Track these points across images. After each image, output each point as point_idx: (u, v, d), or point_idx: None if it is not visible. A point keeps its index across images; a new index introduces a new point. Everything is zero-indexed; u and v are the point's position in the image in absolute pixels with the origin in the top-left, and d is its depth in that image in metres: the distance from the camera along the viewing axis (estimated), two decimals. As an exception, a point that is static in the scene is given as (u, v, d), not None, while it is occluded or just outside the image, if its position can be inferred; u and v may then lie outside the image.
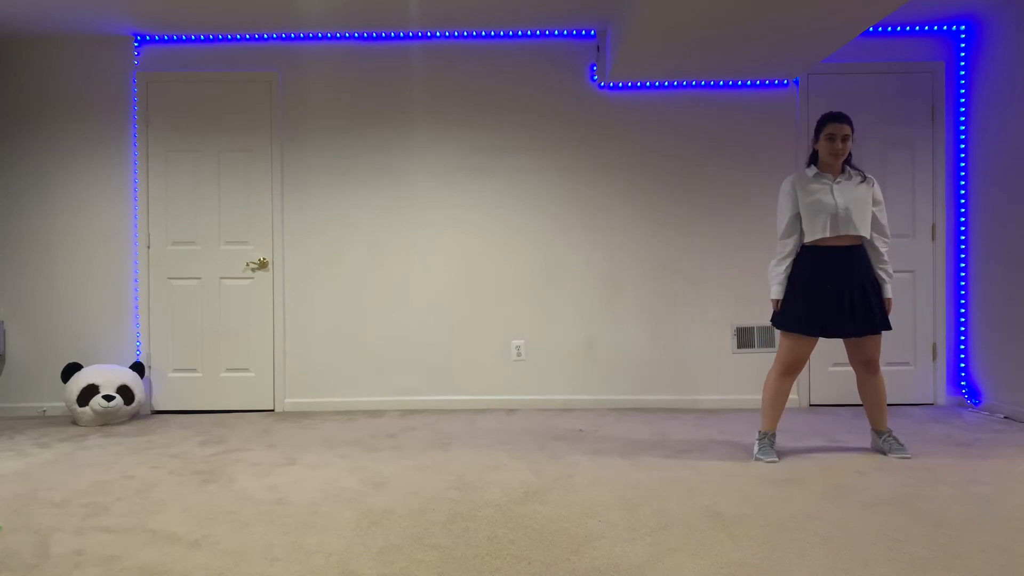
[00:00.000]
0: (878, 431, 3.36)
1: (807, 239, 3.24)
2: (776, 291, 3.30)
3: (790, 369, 3.28)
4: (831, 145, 3.21)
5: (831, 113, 3.25)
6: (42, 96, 4.69)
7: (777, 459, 3.25)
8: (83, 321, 4.69)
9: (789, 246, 3.28)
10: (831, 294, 3.18)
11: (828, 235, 3.18)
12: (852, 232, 3.17)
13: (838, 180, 3.23)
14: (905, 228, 4.66)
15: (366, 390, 4.72)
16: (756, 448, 3.32)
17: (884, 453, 3.33)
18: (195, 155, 4.70)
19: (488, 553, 2.20)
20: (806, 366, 4.62)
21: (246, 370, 4.71)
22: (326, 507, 2.66)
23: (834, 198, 3.18)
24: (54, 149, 4.69)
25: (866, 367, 3.28)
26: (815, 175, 3.26)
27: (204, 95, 4.70)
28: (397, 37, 4.70)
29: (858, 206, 3.18)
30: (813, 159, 3.33)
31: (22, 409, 4.67)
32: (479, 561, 2.14)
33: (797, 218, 3.27)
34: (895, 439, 3.35)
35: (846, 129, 3.20)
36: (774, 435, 3.34)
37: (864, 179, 3.25)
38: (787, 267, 3.29)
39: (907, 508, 2.58)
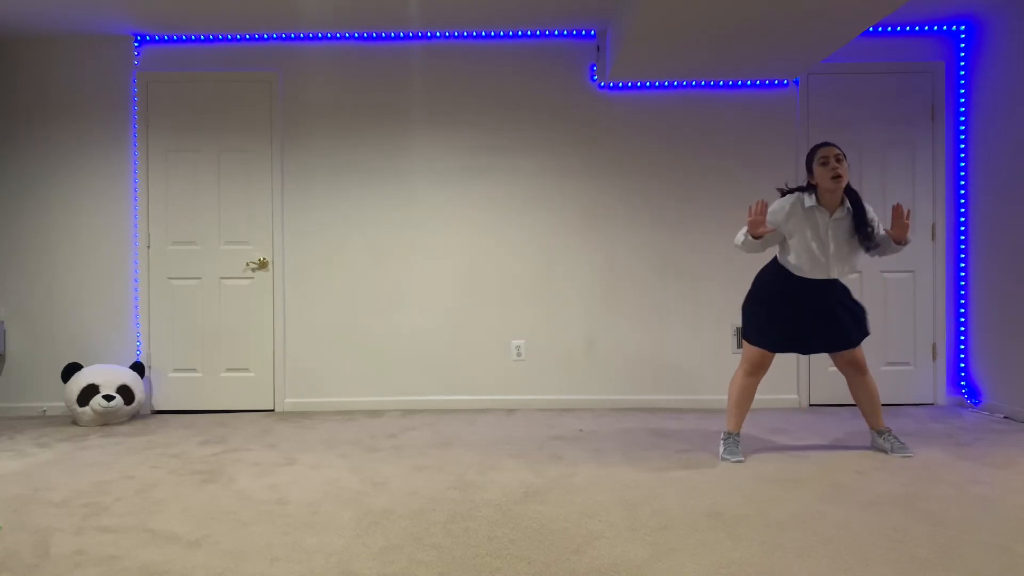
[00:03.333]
0: (877, 430, 3.38)
1: (787, 261, 3.19)
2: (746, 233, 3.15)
3: (756, 369, 3.29)
4: (825, 169, 3.05)
5: (820, 142, 3.20)
6: (42, 96, 4.69)
7: (743, 459, 3.26)
8: (83, 321, 4.69)
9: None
10: (798, 318, 3.19)
11: (815, 276, 3.16)
12: (832, 276, 3.15)
13: (835, 216, 3.12)
14: (905, 228, 4.66)
15: (366, 390, 4.72)
16: (722, 448, 3.32)
17: (886, 452, 3.34)
18: (195, 155, 4.70)
19: (488, 553, 2.20)
20: (805, 366, 4.63)
21: (246, 370, 4.71)
22: (326, 507, 2.66)
23: (826, 244, 3.10)
24: (54, 149, 4.69)
25: (853, 367, 3.28)
26: (813, 207, 3.12)
27: (204, 95, 4.70)
28: (397, 37, 4.70)
29: (845, 247, 3.13)
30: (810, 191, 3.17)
31: (22, 409, 4.67)
32: (479, 561, 2.14)
33: (777, 234, 3.19)
34: (895, 437, 3.36)
35: (836, 150, 3.06)
36: (739, 435, 3.35)
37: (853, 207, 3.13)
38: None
39: (907, 508, 2.58)
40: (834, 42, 3.93)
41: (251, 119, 4.70)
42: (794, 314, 3.20)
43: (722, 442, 3.35)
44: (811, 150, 3.17)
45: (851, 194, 3.16)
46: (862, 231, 3.10)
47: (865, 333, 3.24)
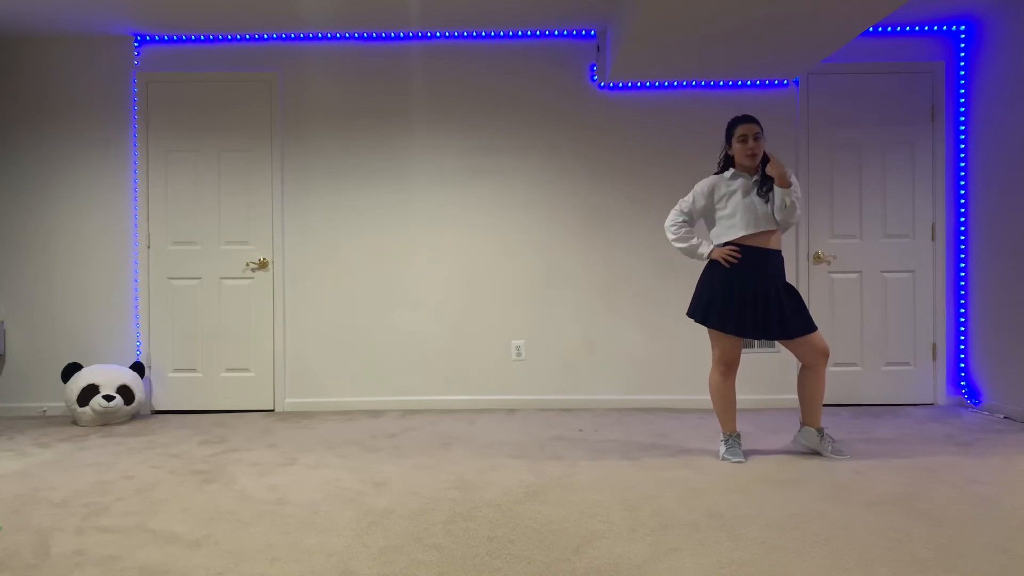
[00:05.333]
0: (818, 428, 3.33)
1: (727, 237, 3.26)
2: (704, 248, 3.32)
3: (729, 368, 3.29)
4: (743, 147, 3.22)
5: (739, 115, 3.28)
6: (42, 96, 4.69)
7: (744, 459, 3.26)
8: (83, 321, 4.69)
9: (683, 228, 3.36)
10: (748, 295, 3.20)
11: (750, 232, 3.20)
12: (762, 228, 3.21)
13: (755, 178, 3.25)
14: (905, 228, 4.66)
15: (366, 390, 4.71)
16: (723, 449, 3.32)
17: (821, 453, 3.31)
18: (195, 155, 4.70)
19: (488, 553, 2.20)
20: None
21: (246, 370, 4.70)
22: (326, 507, 2.66)
23: (752, 200, 3.21)
24: (54, 149, 4.69)
25: (823, 356, 3.23)
26: (733, 175, 3.28)
27: (204, 95, 4.70)
28: (397, 37, 4.70)
29: (768, 205, 3.23)
30: (729, 164, 3.34)
31: (22, 409, 4.67)
32: (479, 561, 2.14)
33: (699, 215, 3.36)
34: (831, 437, 3.34)
35: (756, 128, 3.21)
36: (738, 435, 3.35)
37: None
38: (688, 232, 3.37)
39: (907, 508, 2.58)
40: (834, 42, 3.93)
41: (251, 119, 4.70)
42: (740, 292, 3.21)
43: (722, 443, 3.35)
44: (732, 122, 3.29)
45: (765, 162, 3.24)
46: (763, 189, 3.22)
47: (807, 328, 3.21)
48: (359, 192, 4.72)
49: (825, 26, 3.72)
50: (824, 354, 3.24)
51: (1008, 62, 4.27)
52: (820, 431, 3.33)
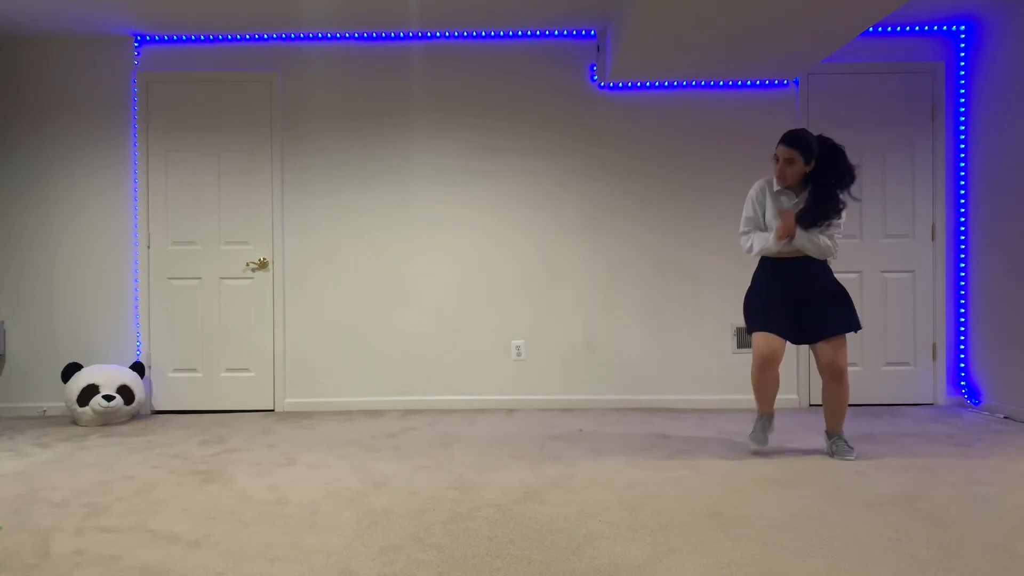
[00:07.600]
0: (826, 433, 3.37)
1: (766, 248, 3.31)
2: (756, 245, 3.35)
3: (766, 363, 3.26)
4: (775, 166, 3.24)
5: (785, 134, 3.22)
6: (42, 96, 4.68)
7: (764, 444, 3.33)
8: (83, 321, 4.69)
9: (749, 241, 3.38)
10: (781, 302, 3.24)
11: (775, 251, 3.25)
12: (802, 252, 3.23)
13: (796, 201, 3.22)
14: (905, 228, 4.66)
15: (366, 390, 4.71)
16: (752, 429, 3.41)
17: (832, 455, 3.31)
18: (195, 155, 4.70)
19: (488, 553, 2.20)
20: (805, 366, 4.63)
21: (246, 370, 4.70)
22: (326, 507, 2.66)
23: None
24: (54, 149, 4.69)
25: (830, 372, 3.21)
26: (779, 190, 3.27)
27: (204, 95, 4.69)
28: (397, 37, 4.70)
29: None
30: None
31: (22, 409, 4.67)
32: (479, 561, 2.14)
33: (755, 220, 3.36)
34: (844, 442, 3.31)
35: (789, 153, 3.15)
36: (770, 416, 3.36)
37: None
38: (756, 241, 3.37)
39: (907, 508, 2.58)
40: (834, 42, 3.93)
41: (251, 119, 4.70)
42: (777, 301, 3.25)
43: (754, 422, 3.41)
44: (782, 136, 3.25)
45: (819, 189, 3.16)
46: (803, 219, 3.16)
47: (847, 326, 3.20)
48: (359, 192, 4.72)
49: (825, 26, 3.72)
50: (827, 368, 3.21)
51: (1008, 62, 4.27)
52: (827, 434, 3.36)
